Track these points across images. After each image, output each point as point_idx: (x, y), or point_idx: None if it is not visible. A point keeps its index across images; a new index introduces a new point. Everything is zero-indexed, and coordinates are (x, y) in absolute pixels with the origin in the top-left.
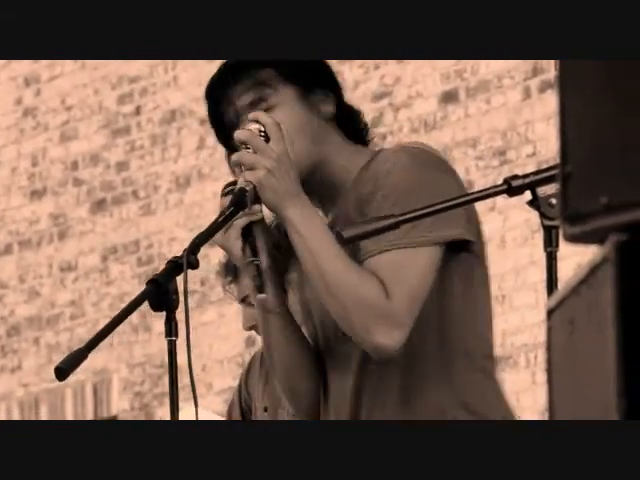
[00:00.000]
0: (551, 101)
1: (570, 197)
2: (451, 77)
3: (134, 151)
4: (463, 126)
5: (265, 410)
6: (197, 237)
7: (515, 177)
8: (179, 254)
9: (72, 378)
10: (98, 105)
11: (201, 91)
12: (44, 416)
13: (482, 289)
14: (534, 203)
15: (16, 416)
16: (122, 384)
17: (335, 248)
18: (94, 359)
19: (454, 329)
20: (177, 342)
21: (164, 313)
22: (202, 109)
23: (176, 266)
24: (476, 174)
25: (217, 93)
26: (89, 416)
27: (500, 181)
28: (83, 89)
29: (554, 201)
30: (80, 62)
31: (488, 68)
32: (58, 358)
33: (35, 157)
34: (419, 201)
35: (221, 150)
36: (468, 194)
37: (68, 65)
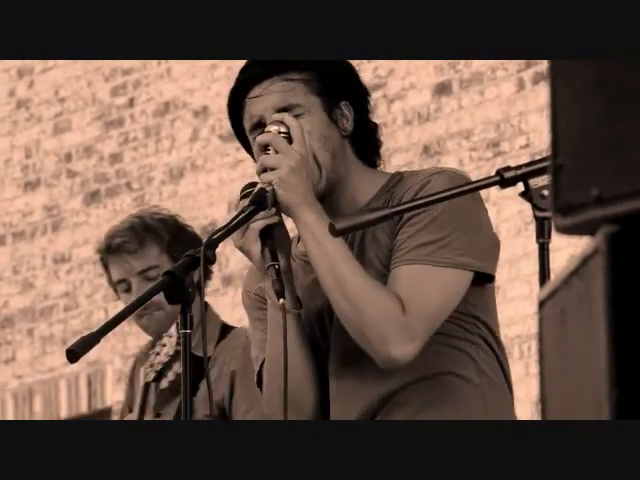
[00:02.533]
0: (544, 93)
1: (561, 189)
2: (445, 69)
3: (128, 143)
4: (457, 118)
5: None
6: (215, 232)
7: (507, 169)
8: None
9: (66, 369)
10: (91, 97)
11: (194, 83)
12: (38, 407)
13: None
14: (526, 194)
15: (10, 407)
16: (116, 375)
17: (351, 256)
18: None
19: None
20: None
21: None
22: (196, 101)
23: (193, 260)
24: (470, 165)
25: (243, 86)
26: (83, 407)
27: (493, 173)
28: (76, 81)
29: (546, 193)
30: None
31: (481, 60)
32: (52, 349)
33: (29, 149)
34: (461, 223)
35: (214, 142)
36: (461, 185)
37: None
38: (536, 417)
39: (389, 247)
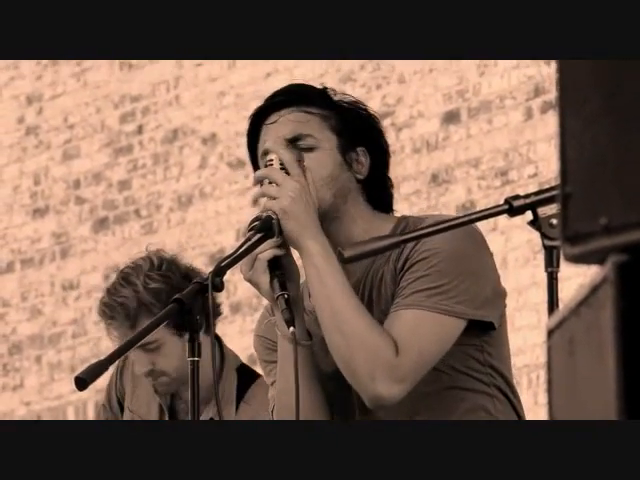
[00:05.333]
0: (553, 122)
1: (570, 218)
2: (453, 97)
3: (136, 170)
4: (465, 146)
5: (130, 411)
6: (222, 260)
7: (516, 197)
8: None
9: (74, 396)
10: (100, 124)
11: (202, 110)
12: None
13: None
14: (535, 223)
15: None
16: None
17: (351, 290)
18: None
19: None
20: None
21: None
22: (204, 128)
23: (201, 287)
24: (478, 194)
25: (263, 112)
26: None
27: (502, 201)
28: (85, 108)
29: (555, 221)
30: (82, 81)
31: (490, 88)
32: (60, 376)
33: (37, 175)
34: (460, 271)
35: (223, 169)
36: (470, 214)
37: (70, 84)
38: None
39: (392, 298)
